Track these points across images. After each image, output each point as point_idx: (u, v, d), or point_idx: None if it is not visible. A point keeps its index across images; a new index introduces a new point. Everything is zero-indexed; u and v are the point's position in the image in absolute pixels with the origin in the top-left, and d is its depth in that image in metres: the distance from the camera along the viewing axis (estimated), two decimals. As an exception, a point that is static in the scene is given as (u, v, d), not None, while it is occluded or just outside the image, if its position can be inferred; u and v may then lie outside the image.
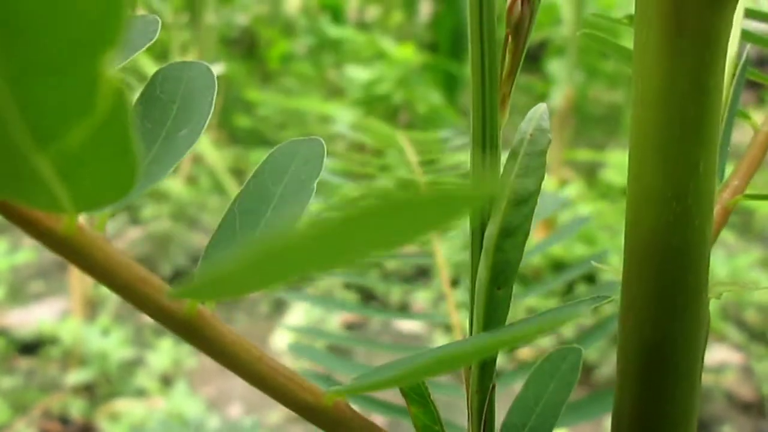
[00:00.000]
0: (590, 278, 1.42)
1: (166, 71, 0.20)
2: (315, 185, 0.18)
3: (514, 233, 0.15)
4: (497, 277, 0.15)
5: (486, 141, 0.16)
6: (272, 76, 2.74)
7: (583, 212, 1.53)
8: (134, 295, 0.13)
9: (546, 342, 1.23)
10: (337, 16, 2.58)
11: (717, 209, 0.21)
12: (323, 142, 0.20)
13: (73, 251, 0.12)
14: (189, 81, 0.20)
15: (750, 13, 0.28)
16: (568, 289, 1.43)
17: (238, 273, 0.08)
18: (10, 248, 1.49)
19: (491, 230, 0.16)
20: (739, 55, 0.26)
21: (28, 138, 0.08)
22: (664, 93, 0.16)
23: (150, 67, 1.59)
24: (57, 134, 0.08)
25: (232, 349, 0.13)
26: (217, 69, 1.62)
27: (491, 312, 0.15)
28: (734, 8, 0.16)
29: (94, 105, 0.08)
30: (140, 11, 2.83)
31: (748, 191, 0.22)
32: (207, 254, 0.15)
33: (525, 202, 0.16)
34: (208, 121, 0.17)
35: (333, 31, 2.02)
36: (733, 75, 0.24)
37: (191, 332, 0.13)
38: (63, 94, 0.07)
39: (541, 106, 0.17)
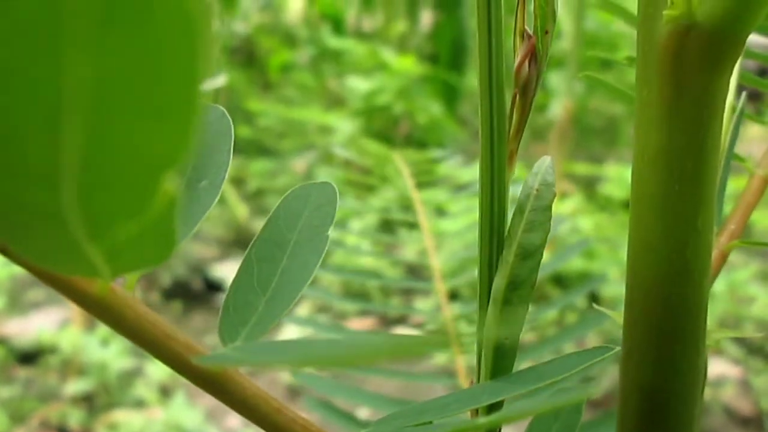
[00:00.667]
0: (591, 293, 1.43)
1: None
2: (329, 232, 0.18)
3: (520, 286, 0.16)
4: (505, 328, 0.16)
5: (494, 198, 0.17)
6: (273, 85, 2.76)
7: (582, 226, 1.54)
8: (161, 352, 0.13)
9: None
10: (338, 25, 2.60)
11: (714, 254, 0.22)
12: (335, 187, 0.20)
13: (106, 311, 0.13)
14: (205, 125, 0.21)
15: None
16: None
17: (272, 361, 0.09)
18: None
19: (499, 283, 0.16)
20: (736, 97, 0.26)
21: (83, 231, 0.09)
22: (663, 150, 0.17)
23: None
24: (110, 229, 0.09)
25: (252, 402, 0.14)
26: (219, 80, 1.62)
27: (498, 361, 0.16)
28: (732, 70, 0.17)
29: (149, 209, 0.08)
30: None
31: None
32: (228, 304, 0.16)
33: (531, 256, 0.16)
34: (227, 173, 0.17)
35: (333, 42, 2.04)
36: (731, 116, 0.24)
37: (214, 387, 0.14)
38: (124, 201, 0.08)
39: (546, 160, 0.18)
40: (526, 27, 0.17)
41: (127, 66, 0.07)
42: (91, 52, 0.07)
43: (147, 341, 0.13)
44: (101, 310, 0.13)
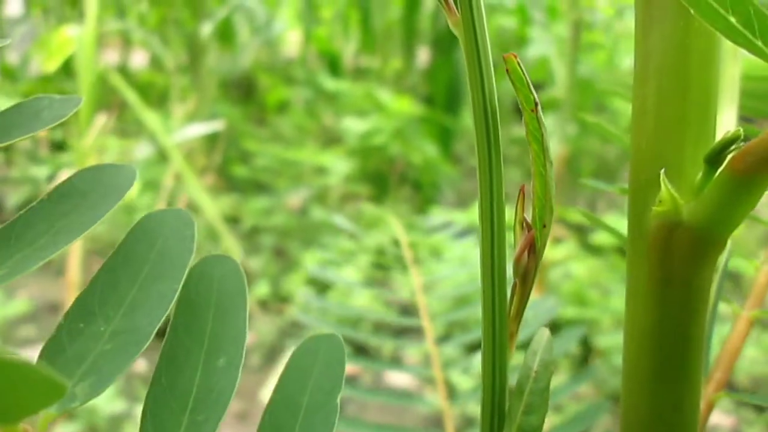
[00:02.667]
0: (584, 340, 1.43)
1: (200, 268, 0.22)
2: (338, 400, 0.19)
3: (519, 470, 0.17)
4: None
5: (495, 375, 0.18)
6: (269, 119, 2.78)
7: (575, 271, 1.55)
8: None
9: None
10: (335, 63, 2.63)
11: (702, 405, 0.23)
12: (342, 342, 0.21)
13: None
14: (218, 281, 0.22)
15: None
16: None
17: None
18: (4, 299, 1.49)
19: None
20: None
21: None
22: (651, 333, 0.18)
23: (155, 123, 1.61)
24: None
25: None
26: (217, 125, 1.64)
27: None
28: (716, 260, 0.19)
29: None
30: (143, 54, 2.86)
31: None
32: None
33: (529, 439, 0.17)
34: (244, 350, 0.18)
35: (329, 83, 2.07)
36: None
37: None
38: None
39: (545, 334, 0.19)
40: (525, 217, 0.18)
41: None
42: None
43: None
44: None
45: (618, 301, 1.53)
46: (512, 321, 0.18)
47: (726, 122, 0.29)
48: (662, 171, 0.17)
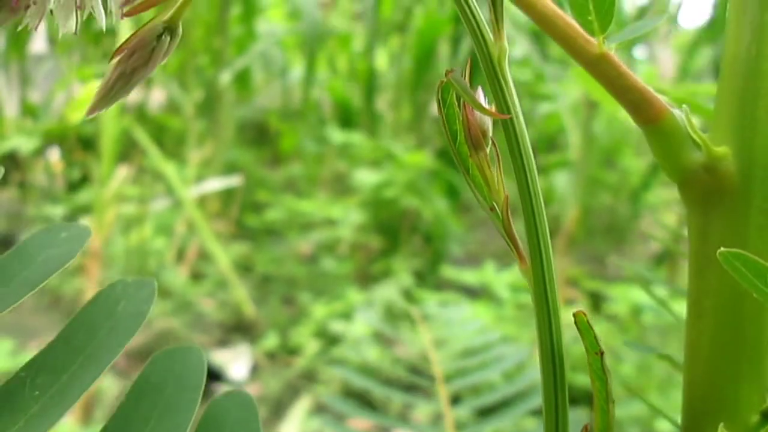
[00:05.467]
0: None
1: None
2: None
3: None
4: None
5: None
6: (283, 160, 2.81)
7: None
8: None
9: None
10: (348, 112, 2.67)
11: None
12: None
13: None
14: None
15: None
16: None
17: None
18: (15, 349, 1.49)
19: None
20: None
21: None
22: None
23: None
24: None
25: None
26: (234, 181, 1.66)
27: None
28: None
29: None
30: (161, 97, 2.91)
31: None
32: None
33: None
34: None
35: (338, 136, 2.10)
36: None
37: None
38: None
39: None
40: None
41: None
42: None
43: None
44: None
45: (629, 368, 1.51)
46: None
47: None
48: (721, 425, 0.18)
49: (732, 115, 0.19)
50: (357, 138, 2.07)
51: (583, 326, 0.17)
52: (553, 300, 0.17)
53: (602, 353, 0.17)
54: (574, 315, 0.17)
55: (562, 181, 2.01)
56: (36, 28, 0.17)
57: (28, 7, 0.16)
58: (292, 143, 2.58)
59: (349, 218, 1.96)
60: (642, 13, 1.92)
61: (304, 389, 1.67)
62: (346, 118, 2.63)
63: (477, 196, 0.17)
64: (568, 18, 0.21)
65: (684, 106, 0.19)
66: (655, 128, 0.19)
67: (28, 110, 2.74)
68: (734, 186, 0.18)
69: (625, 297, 1.41)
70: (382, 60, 2.74)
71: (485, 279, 1.60)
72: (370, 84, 2.44)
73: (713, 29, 2.01)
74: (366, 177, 1.99)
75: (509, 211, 0.17)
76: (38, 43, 2.91)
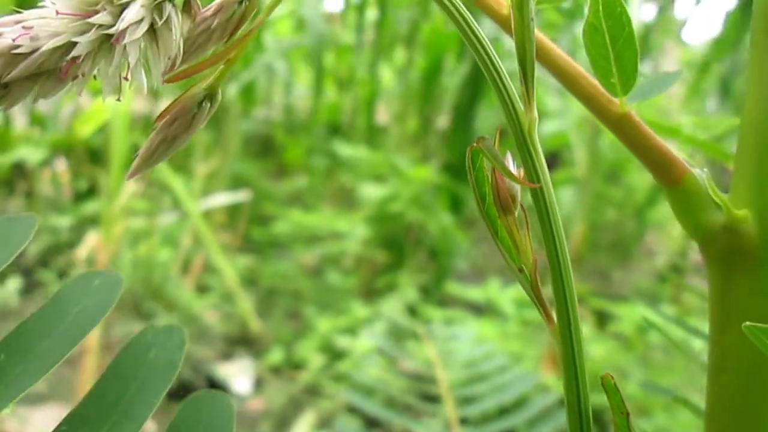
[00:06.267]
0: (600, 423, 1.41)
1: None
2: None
3: None
4: None
5: None
6: (288, 171, 2.82)
7: (594, 352, 1.54)
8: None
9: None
10: (336, 122, 2.68)
11: None
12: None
13: None
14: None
15: None
16: None
17: None
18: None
19: None
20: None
21: None
22: None
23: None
24: None
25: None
26: (241, 196, 1.67)
27: None
28: None
29: None
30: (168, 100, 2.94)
31: None
32: None
33: None
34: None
35: (345, 150, 2.11)
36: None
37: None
38: None
39: None
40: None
41: None
42: None
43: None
44: None
45: (633, 386, 1.51)
46: None
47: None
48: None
49: (752, 179, 0.19)
50: (362, 152, 2.08)
51: (610, 388, 0.17)
52: (580, 360, 0.18)
53: (628, 414, 0.18)
54: (602, 378, 0.17)
55: (567, 197, 2.01)
56: (80, 94, 0.18)
57: (75, 78, 0.16)
58: (296, 156, 2.59)
59: (354, 232, 1.97)
60: (648, 30, 1.93)
61: (308, 404, 1.67)
62: (334, 129, 2.63)
63: (505, 257, 0.18)
64: (590, 77, 0.21)
65: (705, 169, 0.19)
66: (676, 189, 0.20)
67: (36, 120, 2.76)
68: (754, 248, 0.19)
69: (630, 316, 1.41)
70: (387, 73, 2.76)
71: (490, 295, 1.60)
72: (372, 96, 2.45)
73: (721, 46, 2.02)
74: (372, 191, 1.99)
75: (538, 274, 0.17)
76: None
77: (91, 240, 1.47)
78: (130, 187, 1.48)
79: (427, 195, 2.04)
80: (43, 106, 2.90)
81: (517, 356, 1.43)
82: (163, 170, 1.72)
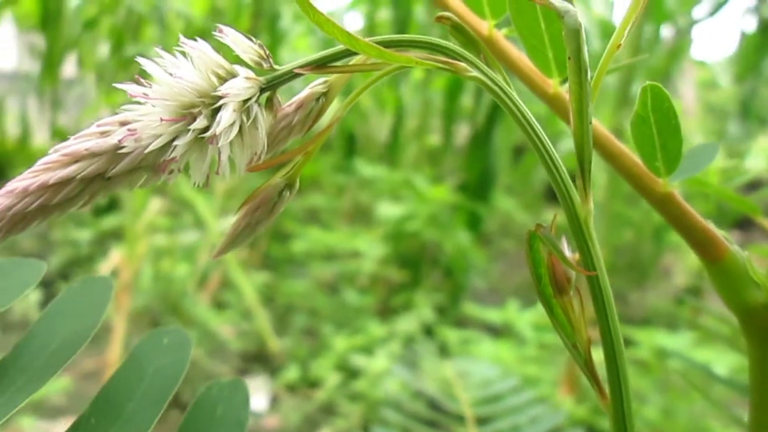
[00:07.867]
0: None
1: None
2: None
3: None
4: None
5: None
6: (303, 188, 2.84)
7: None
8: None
9: None
10: (351, 140, 2.70)
11: None
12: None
13: None
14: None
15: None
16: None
17: None
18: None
19: None
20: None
21: None
22: None
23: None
24: None
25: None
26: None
27: None
28: None
29: None
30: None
31: None
32: None
33: None
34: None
35: (367, 170, 2.13)
36: None
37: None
38: None
39: None
40: None
41: None
42: None
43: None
44: None
45: (652, 411, 1.50)
46: None
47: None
48: None
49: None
50: (382, 171, 2.10)
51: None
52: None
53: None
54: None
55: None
56: (171, 182, 0.19)
57: (171, 172, 0.18)
58: (312, 172, 2.62)
59: (372, 250, 1.98)
60: (669, 56, 1.93)
61: (323, 422, 1.67)
62: (350, 146, 2.65)
63: (560, 334, 0.19)
64: (634, 156, 0.23)
65: (747, 252, 0.21)
66: (718, 266, 0.21)
67: (58, 134, 2.81)
68: (793, 326, 0.20)
69: (649, 341, 1.40)
70: (406, 89, 2.78)
71: (508, 318, 1.60)
72: (399, 113, 2.47)
73: (739, 66, 2.02)
74: (389, 210, 2.01)
75: (590, 351, 0.18)
76: (69, 68, 2.99)
77: (115, 257, 1.50)
78: (155, 205, 1.51)
79: (444, 214, 2.05)
80: (64, 119, 2.95)
81: (533, 380, 1.43)
82: (186, 187, 1.74)
